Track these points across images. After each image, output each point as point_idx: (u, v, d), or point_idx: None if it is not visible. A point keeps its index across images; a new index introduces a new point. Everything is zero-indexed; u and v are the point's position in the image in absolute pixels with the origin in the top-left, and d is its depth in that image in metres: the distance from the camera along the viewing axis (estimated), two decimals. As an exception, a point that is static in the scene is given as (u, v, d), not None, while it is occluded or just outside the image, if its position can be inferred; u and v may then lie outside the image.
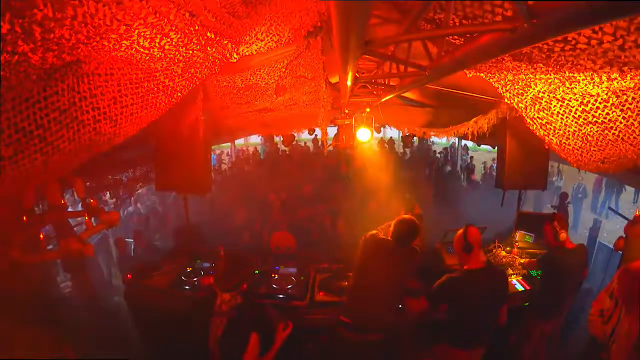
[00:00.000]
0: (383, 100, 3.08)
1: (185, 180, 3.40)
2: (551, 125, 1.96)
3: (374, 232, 2.53)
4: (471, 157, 10.25)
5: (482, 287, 2.24)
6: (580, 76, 1.38)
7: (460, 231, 2.34)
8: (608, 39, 0.95)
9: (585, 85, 1.47)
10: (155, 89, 1.55)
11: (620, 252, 3.36)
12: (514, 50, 1.16)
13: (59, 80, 1.08)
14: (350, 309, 2.43)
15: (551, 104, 1.81)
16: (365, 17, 0.74)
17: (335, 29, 0.82)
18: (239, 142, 12.41)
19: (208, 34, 1.26)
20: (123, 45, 1.08)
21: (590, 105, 1.64)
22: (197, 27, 1.16)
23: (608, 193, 9.31)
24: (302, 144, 10.60)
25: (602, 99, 1.58)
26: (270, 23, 1.57)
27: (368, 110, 4.03)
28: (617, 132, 1.68)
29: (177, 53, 1.33)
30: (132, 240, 5.43)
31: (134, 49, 1.14)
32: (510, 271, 3.44)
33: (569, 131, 1.90)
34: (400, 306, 2.66)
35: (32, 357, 1.83)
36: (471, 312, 2.27)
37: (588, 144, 1.91)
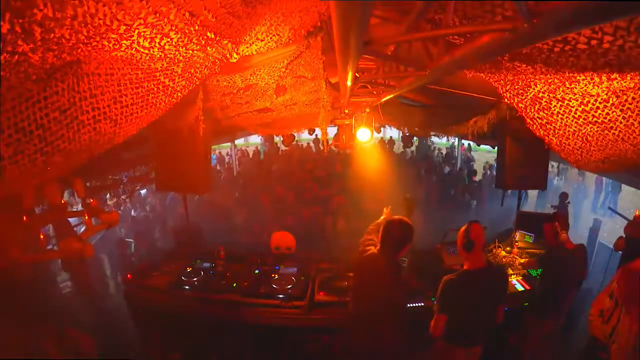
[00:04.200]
0: (383, 100, 3.08)
1: (185, 180, 3.41)
2: (551, 125, 1.96)
3: (361, 247, 2.40)
4: (473, 160, 10.19)
5: (481, 287, 2.22)
6: (580, 76, 1.38)
7: (464, 227, 2.27)
8: (608, 39, 0.95)
9: (585, 85, 1.47)
10: (155, 89, 1.55)
11: (620, 252, 3.36)
12: (514, 50, 1.16)
13: (59, 80, 1.08)
14: (354, 339, 2.35)
15: (551, 104, 1.80)
16: (365, 17, 0.74)
17: (335, 29, 0.82)
18: (239, 142, 12.39)
19: (208, 34, 1.26)
20: (123, 45, 1.08)
21: (590, 105, 1.64)
22: (197, 27, 1.16)
23: (608, 193, 9.30)
24: (304, 144, 10.59)
25: (602, 99, 1.58)
26: (271, 23, 1.57)
27: (368, 110, 4.03)
28: (617, 132, 1.68)
29: (177, 53, 1.33)
30: (132, 240, 5.44)
31: (134, 49, 1.14)
32: (510, 271, 3.44)
33: (569, 131, 1.90)
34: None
35: (32, 357, 1.83)
36: (469, 311, 2.25)
37: (588, 144, 1.91)
